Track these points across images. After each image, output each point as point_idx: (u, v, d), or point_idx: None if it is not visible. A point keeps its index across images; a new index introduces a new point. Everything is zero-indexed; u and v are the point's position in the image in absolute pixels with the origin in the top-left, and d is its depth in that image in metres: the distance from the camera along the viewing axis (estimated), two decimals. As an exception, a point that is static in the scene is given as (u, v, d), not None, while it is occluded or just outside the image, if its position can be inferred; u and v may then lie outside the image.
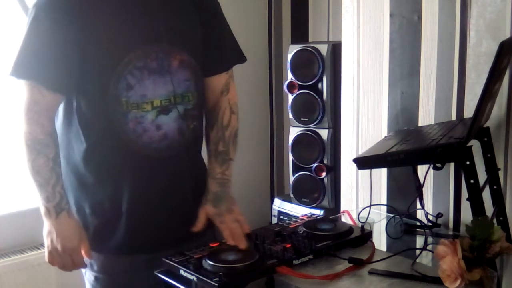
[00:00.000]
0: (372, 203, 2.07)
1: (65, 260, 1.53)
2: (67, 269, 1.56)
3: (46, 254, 1.55)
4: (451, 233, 2.17)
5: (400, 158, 1.78)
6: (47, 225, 1.53)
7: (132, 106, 1.51)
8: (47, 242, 1.54)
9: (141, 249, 1.60)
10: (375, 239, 1.71)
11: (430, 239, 1.89)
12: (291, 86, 2.97)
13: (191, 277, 1.40)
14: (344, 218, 2.03)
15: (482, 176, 1.84)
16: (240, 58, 1.73)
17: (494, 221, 1.91)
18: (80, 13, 1.45)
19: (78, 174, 1.58)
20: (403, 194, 2.32)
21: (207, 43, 1.64)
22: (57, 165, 1.51)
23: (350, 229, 1.65)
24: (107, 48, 1.48)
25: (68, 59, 1.47)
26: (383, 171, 2.41)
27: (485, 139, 1.99)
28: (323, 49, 2.87)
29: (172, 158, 1.59)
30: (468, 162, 1.69)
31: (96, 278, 1.62)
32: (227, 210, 1.64)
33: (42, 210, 1.52)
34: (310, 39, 3.28)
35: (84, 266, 1.58)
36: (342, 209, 2.56)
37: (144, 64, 1.50)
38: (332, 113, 2.90)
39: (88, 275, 1.65)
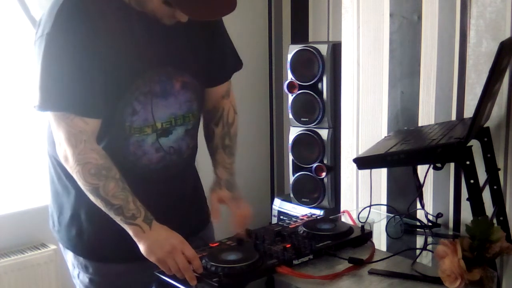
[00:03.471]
0: (372, 203, 2.07)
1: (179, 258, 1.42)
2: (184, 266, 1.42)
3: (161, 266, 1.44)
4: (451, 233, 2.17)
5: (400, 158, 1.78)
6: (145, 243, 1.44)
7: (134, 130, 1.51)
8: (155, 256, 1.43)
9: (137, 257, 1.57)
10: (375, 239, 1.70)
11: (430, 239, 1.89)
12: (291, 86, 2.97)
13: (191, 277, 1.40)
14: (344, 218, 2.03)
15: (482, 176, 1.84)
16: (239, 64, 1.74)
17: (494, 221, 1.91)
18: (93, 38, 1.41)
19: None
20: (403, 194, 2.32)
21: (210, 58, 1.64)
22: (125, 183, 1.46)
23: (350, 229, 1.65)
24: (115, 76, 1.46)
25: (95, 85, 1.43)
26: (383, 171, 2.41)
27: (485, 139, 1.99)
28: (323, 49, 2.87)
29: (170, 177, 1.61)
30: (468, 162, 1.69)
31: (90, 280, 1.62)
32: (240, 195, 1.69)
33: (132, 231, 1.44)
34: (310, 39, 3.28)
35: (197, 258, 1.44)
36: (342, 209, 2.56)
37: (149, 89, 1.49)
38: (332, 113, 2.90)
39: (81, 277, 1.63)
